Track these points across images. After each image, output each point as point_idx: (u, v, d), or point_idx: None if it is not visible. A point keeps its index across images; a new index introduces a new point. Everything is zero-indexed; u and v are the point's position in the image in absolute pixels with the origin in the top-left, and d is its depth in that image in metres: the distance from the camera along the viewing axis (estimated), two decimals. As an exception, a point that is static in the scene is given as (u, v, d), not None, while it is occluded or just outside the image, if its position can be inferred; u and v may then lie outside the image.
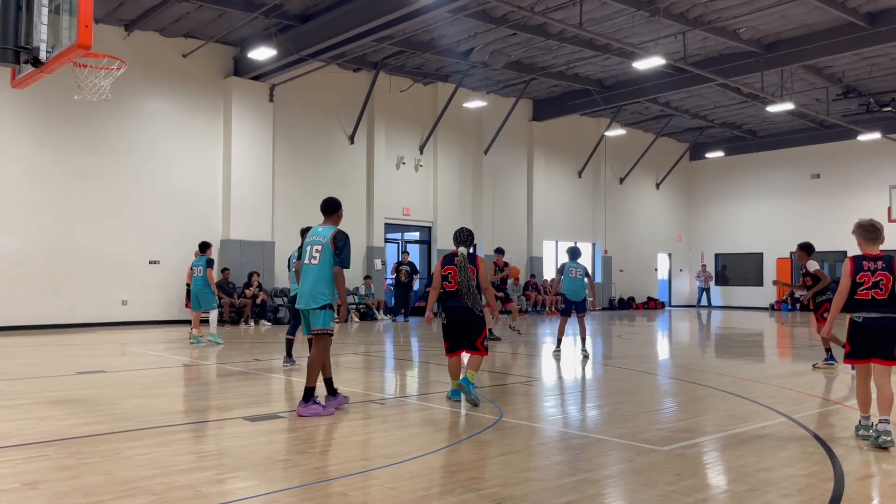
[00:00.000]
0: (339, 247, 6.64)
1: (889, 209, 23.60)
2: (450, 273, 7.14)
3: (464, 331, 7.15)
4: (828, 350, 10.03)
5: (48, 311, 16.58)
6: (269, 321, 18.73)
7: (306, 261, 6.79)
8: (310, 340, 6.88)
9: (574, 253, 12.29)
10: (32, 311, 16.39)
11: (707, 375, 9.44)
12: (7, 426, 6.08)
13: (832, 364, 9.92)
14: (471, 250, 7.31)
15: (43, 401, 7.32)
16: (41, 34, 6.28)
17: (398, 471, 4.85)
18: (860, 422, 5.75)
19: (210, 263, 13.23)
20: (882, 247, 5.81)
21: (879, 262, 5.68)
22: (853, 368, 6.03)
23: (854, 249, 5.99)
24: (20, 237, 16.38)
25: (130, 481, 4.46)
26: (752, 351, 14.02)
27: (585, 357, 11.49)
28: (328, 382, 6.92)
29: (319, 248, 6.69)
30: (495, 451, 5.44)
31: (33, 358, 11.44)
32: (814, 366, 10.26)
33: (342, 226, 6.97)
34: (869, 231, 5.79)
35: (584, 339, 11.95)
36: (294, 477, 4.66)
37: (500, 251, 14.95)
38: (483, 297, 7.40)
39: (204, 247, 13.49)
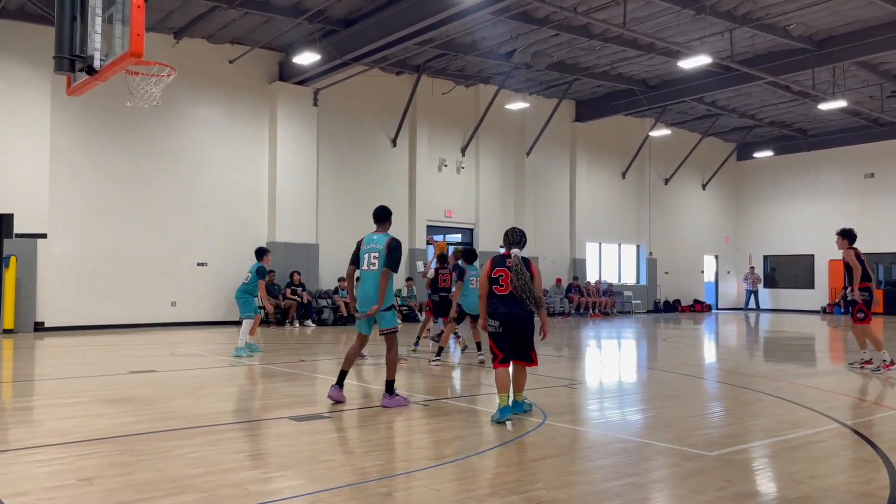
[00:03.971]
0: (392, 249, 7.06)
1: (948, 209, 22.77)
2: (500, 276, 6.44)
3: (522, 339, 6.44)
4: None
5: (101, 313, 17.06)
6: (313, 322, 18.95)
7: (364, 267, 7.18)
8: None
9: (469, 256, 11.05)
10: (86, 313, 16.88)
11: (756, 380, 9.23)
12: (64, 423, 6.27)
13: None
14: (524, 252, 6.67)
15: (97, 399, 7.54)
16: (95, 43, 6.49)
17: (442, 472, 4.86)
18: None
19: (261, 272, 11.63)
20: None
21: None
22: None
23: None
24: (75, 241, 16.89)
25: (180, 479, 4.55)
26: (803, 355, 13.67)
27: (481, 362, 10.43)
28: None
29: (377, 254, 7.10)
30: (539, 453, 5.41)
31: (87, 358, 11.79)
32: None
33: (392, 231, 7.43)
34: None
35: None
36: (338, 477, 4.70)
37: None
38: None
39: (259, 253, 11.97)
